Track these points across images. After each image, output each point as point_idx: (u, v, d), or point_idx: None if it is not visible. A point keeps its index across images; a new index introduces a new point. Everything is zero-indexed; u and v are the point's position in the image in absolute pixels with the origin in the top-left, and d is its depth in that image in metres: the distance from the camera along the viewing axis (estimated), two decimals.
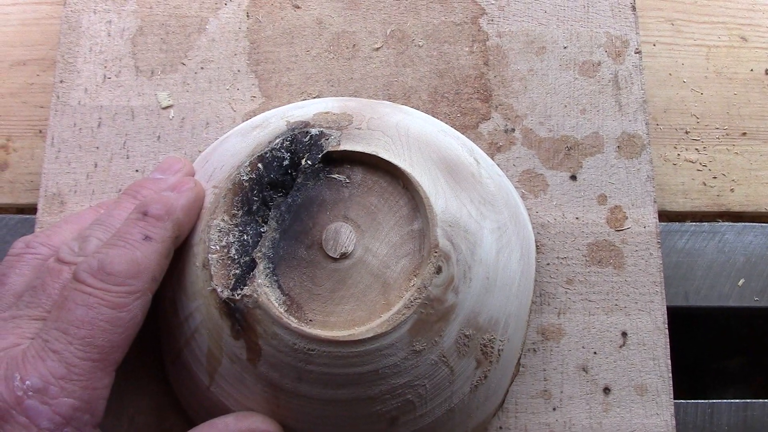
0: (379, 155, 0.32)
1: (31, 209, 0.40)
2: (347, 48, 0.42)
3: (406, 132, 0.34)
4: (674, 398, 0.38)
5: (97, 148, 0.39)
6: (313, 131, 0.33)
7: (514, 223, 0.36)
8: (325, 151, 0.32)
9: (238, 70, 0.41)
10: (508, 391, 0.37)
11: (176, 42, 0.41)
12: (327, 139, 0.32)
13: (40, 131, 0.43)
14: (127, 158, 0.39)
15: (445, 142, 0.35)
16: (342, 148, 0.32)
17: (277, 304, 0.30)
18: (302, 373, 0.30)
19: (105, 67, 0.41)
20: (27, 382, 0.25)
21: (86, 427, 0.26)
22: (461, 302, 0.31)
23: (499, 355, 0.34)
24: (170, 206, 0.30)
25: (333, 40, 0.42)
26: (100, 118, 0.40)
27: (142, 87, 0.40)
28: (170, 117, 0.40)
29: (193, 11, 0.42)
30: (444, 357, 0.31)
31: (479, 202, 0.34)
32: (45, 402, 0.25)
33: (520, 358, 0.37)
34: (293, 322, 0.29)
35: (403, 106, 0.39)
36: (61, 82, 0.40)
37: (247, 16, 0.42)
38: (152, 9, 0.42)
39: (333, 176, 0.32)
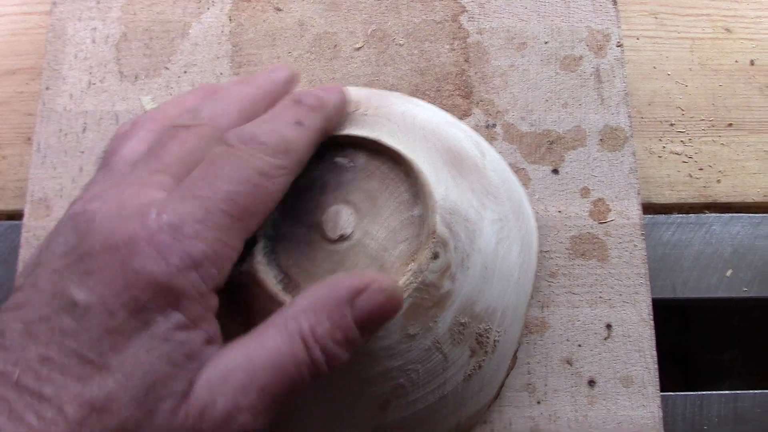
0: (382, 141, 0.32)
1: (21, 215, 0.41)
2: (329, 48, 0.42)
3: (412, 120, 0.34)
4: (665, 391, 0.37)
5: (82, 152, 0.40)
6: None
7: (516, 216, 0.36)
8: (329, 135, 0.32)
9: (221, 73, 0.41)
10: (504, 383, 0.37)
11: (160, 47, 0.42)
12: None
13: (29, 138, 0.43)
14: None
15: (450, 132, 0.36)
16: (346, 132, 0.32)
17: (274, 282, 0.30)
18: None
19: (90, 73, 0.41)
20: (164, 217, 0.24)
21: (210, 281, 0.25)
22: (457, 289, 0.31)
23: (495, 345, 0.34)
24: (323, 100, 0.30)
25: (314, 41, 0.42)
26: (85, 124, 0.40)
27: (126, 92, 0.41)
28: None
29: (176, 16, 0.43)
30: (438, 343, 0.31)
31: (481, 193, 0.34)
32: (178, 239, 0.24)
33: (516, 351, 0.37)
34: (289, 300, 0.29)
35: (414, 98, 0.39)
36: (47, 89, 0.41)
37: (230, 19, 0.42)
38: (136, 15, 0.42)
39: (336, 160, 0.32)
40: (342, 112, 0.32)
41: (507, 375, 0.37)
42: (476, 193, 0.34)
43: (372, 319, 0.27)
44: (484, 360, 0.34)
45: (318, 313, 0.26)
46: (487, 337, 0.33)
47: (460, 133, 0.37)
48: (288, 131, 0.28)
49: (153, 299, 0.24)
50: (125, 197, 0.26)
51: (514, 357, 0.37)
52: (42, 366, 0.23)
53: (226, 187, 0.26)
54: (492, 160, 0.37)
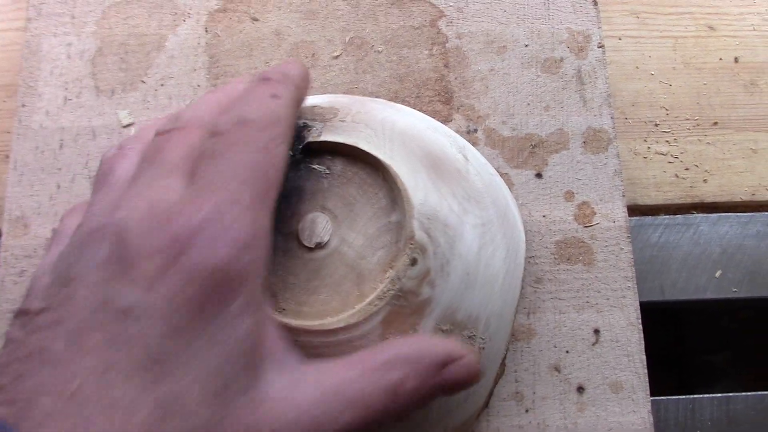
0: (359, 146, 0.32)
1: None
2: (306, 57, 0.42)
3: (391, 126, 0.34)
4: (658, 395, 0.37)
5: (59, 169, 0.39)
6: (298, 123, 0.32)
7: (501, 221, 0.35)
8: (305, 142, 0.32)
9: (198, 85, 0.41)
10: (492, 392, 0.36)
11: (135, 61, 0.41)
12: (309, 131, 0.32)
13: (7, 156, 0.43)
14: (89, 178, 0.39)
15: (432, 137, 0.35)
16: (323, 138, 0.32)
17: None
18: None
19: (66, 89, 0.41)
20: (200, 213, 0.24)
21: (260, 261, 0.25)
22: (438, 296, 0.31)
23: (480, 353, 0.33)
24: (287, 73, 0.30)
25: (292, 51, 0.42)
26: (61, 140, 0.40)
27: (102, 107, 0.41)
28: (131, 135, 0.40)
29: (151, 29, 0.42)
30: None
31: (462, 198, 0.33)
32: (222, 227, 0.24)
33: (504, 358, 0.36)
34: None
35: (397, 104, 0.39)
36: (23, 106, 0.40)
37: (206, 31, 0.42)
38: (111, 29, 0.42)
39: (313, 167, 0.32)
40: (306, 81, 0.32)
41: (495, 383, 0.36)
42: (457, 198, 0.33)
43: (451, 388, 0.28)
44: None
45: (411, 368, 0.27)
46: (471, 345, 0.33)
47: (443, 138, 0.36)
48: (270, 104, 0.28)
49: (211, 293, 0.24)
50: (150, 202, 0.26)
51: (503, 364, 0.36)
52: (103, 376, 0.22)
53: (237, 172, 0.26)
54: (476, 164, 0.37)
